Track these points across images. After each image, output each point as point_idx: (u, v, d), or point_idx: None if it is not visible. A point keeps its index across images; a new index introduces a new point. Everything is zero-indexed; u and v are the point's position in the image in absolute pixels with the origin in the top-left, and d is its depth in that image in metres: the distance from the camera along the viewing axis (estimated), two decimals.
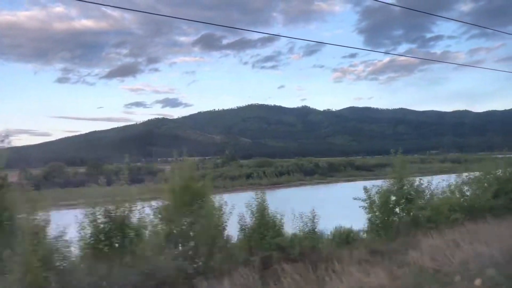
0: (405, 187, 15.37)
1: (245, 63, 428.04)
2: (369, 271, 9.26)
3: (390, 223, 15.14)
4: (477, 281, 8.00)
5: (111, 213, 9.35)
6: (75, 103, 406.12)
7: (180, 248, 11.01)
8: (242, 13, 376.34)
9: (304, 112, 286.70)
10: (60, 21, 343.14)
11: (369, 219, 15.37)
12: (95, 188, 10.08)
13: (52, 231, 8.58)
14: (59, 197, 36.03)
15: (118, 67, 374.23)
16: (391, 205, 15.23)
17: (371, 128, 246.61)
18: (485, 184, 17.80)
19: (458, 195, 17.42)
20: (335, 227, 15.67)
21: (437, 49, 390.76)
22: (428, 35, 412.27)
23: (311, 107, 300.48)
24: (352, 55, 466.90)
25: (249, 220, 12.69)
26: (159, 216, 11.19)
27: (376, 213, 15.24)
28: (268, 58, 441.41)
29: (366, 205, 15.34)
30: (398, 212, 15.30)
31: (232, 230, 12.71)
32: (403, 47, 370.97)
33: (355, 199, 15.45)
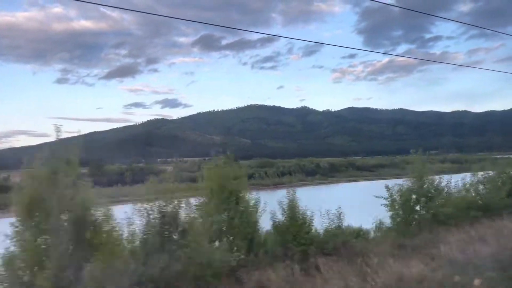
0: (425, 186, 15.96)
1: (244, 63, 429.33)
2: (406, 263, 9.84)
3: (411, 220, 15.74)
4: None
5: (164, 208, 9.93)
6: (74, 104, 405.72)
7: (221, 242, 11.57)
8: (241, 14, 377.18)
9: (304, 112, 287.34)
10: (59, 22, 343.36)
11: (391, 217, 15.95)
12: (145, 185, 10.66)
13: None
14: None
15: (117, 67, 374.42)
16: (412, 203, 15.81)
17: (371, 129, 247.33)
18: (499, 183, 18.41)
19: (473, 194, 18.03)
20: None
21: (436, 49, 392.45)
22: (427, 36, 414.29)
23: (310, 107, 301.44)
24: (351, 56, 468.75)
25: (280, 216, 13.30)
26: (201, 212, 11.76)
27: (398, 211, 15.83)
28: (267, 59, 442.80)
29: (387, 203, 15.93)
30: (419, 209, 15.89)
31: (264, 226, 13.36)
32: (402, 48, 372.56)
33: (377, 197, 16.03)
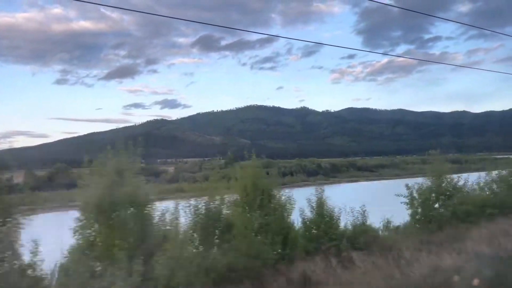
0: (444, 184, 16.66)
1: (244, 64, 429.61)
2: (438, 256, 10.52)
3: (430, 218, 16.42)
4: None
5: (209, 205, 10.59)
6: (73, 105, 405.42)
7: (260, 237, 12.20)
8: (240, 14, 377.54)
9: (303, 113, 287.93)
10: (58, 23, 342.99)
11: (411, 214, 16.66)
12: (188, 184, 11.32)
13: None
14: None
15: (116, 68, 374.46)
16: (431, 201, 16.51)
17: (370, 129, 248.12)
18: None
19: (488, 192, 18.72)
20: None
21: (435, 50, 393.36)
22: (426, 36, 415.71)
23: (309, 108, 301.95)
24: (351, 56, 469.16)
25: (309, 213, 13.97)
26: (238, 208, 12.40)
27: (417, 209, 16.53)
28: (266, 59, 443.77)
29: (407, 201, 16.64)
30: (438, 207, 16.58)
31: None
32: (401, 48, 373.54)
33: (397, 195, 16.74)
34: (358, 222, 14.47)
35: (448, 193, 16.55)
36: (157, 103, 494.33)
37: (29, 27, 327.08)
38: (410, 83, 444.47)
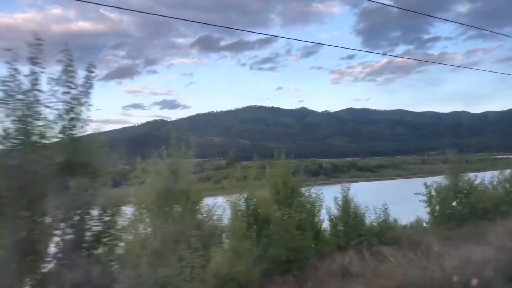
0: (461, 183, 17.30)
1: (243, 64, 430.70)
2: (466, 249, 11.12)
3: (448, 215, 17.05)
4: None
5: (249, 201, 11.21)
6: None
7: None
8: (240, 15, 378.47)
9: (303, 113, 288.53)
10: (58, 23, 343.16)
11: (429, 212, 17.31)
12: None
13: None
14: None
15: (115, 69, 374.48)
16: (449, 199, 17.15)
17: (369, 129, 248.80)
18: None
19: (501, 191, 19.34)
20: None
21: (435, 50, 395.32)
22: (426, 37, 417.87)
23: (309, 108, 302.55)
24: (350, 57, 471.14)
25: (336, 211, 14.60)
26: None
27: (436, 206, 17.18)
28: (265, 60, 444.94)
29: (425, 199, 17.29)
30: (455, 205, 17.22)
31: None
32: (400, 49, 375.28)
33: (416, 194, 17.39)
34: (381, 219, 15.15)
35: (465, 191, 17.17)
36: (156, 103, 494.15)
37: (28, 28, 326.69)
38: (409, 84, 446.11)
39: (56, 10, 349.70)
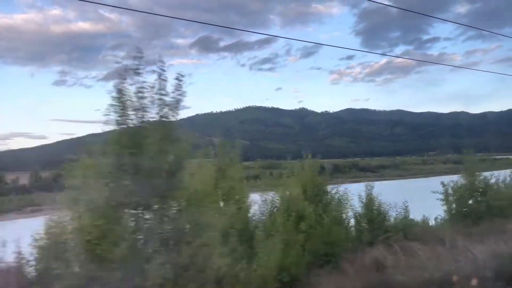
0: (477, 182, 17.91)
1: (243, 65, 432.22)
2: (491, 244, 11.72)
3: (464, 213, 17.66)
4: None
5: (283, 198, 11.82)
6: (72, 106, 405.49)
7: None
8: (239, 16, 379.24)
9: (302, 114, 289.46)
10: (57, 24, 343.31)
11: (446, 210, 17.93)
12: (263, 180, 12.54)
13: None
14: None
15: (115, 69, 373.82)
16: (465, 198, 17.76)
17: (369, 130, 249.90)
18: None
19: None
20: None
21: (434, 50, 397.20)
22: (425, 37, 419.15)
23: (308, 109, 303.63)
24: (349, 57, 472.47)
25: (360, 208, 15.19)
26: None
27: (452, 204, 17.79)
28: (265, 60, 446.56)
29: (442, 197, 17.91)
30: (471, 203, 17.83)
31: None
32: (400, 49, 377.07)
33: (433, 192, 18.00)
34: (401, 216, 15.77)
35: (481, 189, 17.79)
36: None
37: (28, 28, 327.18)
38: (409, 84, 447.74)
39: (55, 11, 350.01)
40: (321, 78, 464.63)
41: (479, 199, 17.67)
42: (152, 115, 6.03)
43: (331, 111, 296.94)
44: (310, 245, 10.57)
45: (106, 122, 5.72)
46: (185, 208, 5.88)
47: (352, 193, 15.18)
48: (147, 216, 5.50)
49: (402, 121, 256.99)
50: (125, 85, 5.85)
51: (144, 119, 5.90)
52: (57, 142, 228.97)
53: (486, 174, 19.73)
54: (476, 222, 16.78)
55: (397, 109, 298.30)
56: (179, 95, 6.09)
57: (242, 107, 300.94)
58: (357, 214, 15.03)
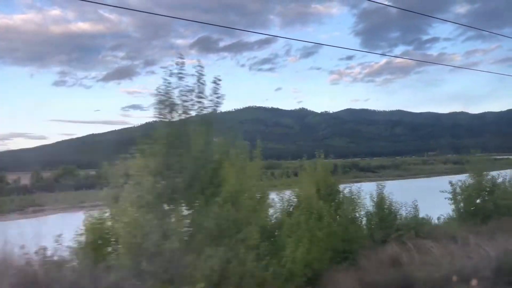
0: (484, 182, 18.27)
1: (242, 65, 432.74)
2: (502, 241, 12.06)
3: (472, 212, 18.01)
4: None
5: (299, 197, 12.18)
6: (72, 106, 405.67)
7: None
8: (239, 16, 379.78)
9: (302, 114, 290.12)
10: (57, 24, 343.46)
11: (454, 209, 18.28)
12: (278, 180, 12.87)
13: None
14: None
15: (115, 70, 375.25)
16: (473, 197, 18.11)
17: (369, 130, 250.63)
18: None
19: None
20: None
21: (434, 51, 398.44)
22: (425, 37, 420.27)
23: (308, 109, 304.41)
24: (349, 57, 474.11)
25: (371, 207, 15.55)
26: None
27: (460, 203, 18.14)
28: (265, 61, 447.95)
29: (450, 196, 18.26)
30: (479, 202, 18.18)
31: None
32: (399, 49, 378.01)
33: (441, 191, 18.36)
34: (411, 215, 16.13)
35: (488, 189, 18.15)
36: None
37: (28, 29, 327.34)
38: (408, 84, 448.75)
39: (55, 11, 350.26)
40: (321, 78, 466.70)
41: (486, 198, 18.01)
42: (194, 115, 6.35)
43: (330, 111, 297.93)
44: (329, 242, 10.91)
45: (153, 122, 6.03)
46: (227, 204, 6.19)
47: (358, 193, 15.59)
48: (192, 211, 5.81)
49: (402, 121, 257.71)
50: (170, 88, 6.17)
51: (187, 120, 6.23)
52: (57, 143, 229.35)
53: (493, 173, 20.11)
54: (484, 220, 17.14)
55: (397, 109, 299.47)
56: (217, 97, 6.43)
57: (241, 108, 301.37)
58: (369, 213, 15.40)
